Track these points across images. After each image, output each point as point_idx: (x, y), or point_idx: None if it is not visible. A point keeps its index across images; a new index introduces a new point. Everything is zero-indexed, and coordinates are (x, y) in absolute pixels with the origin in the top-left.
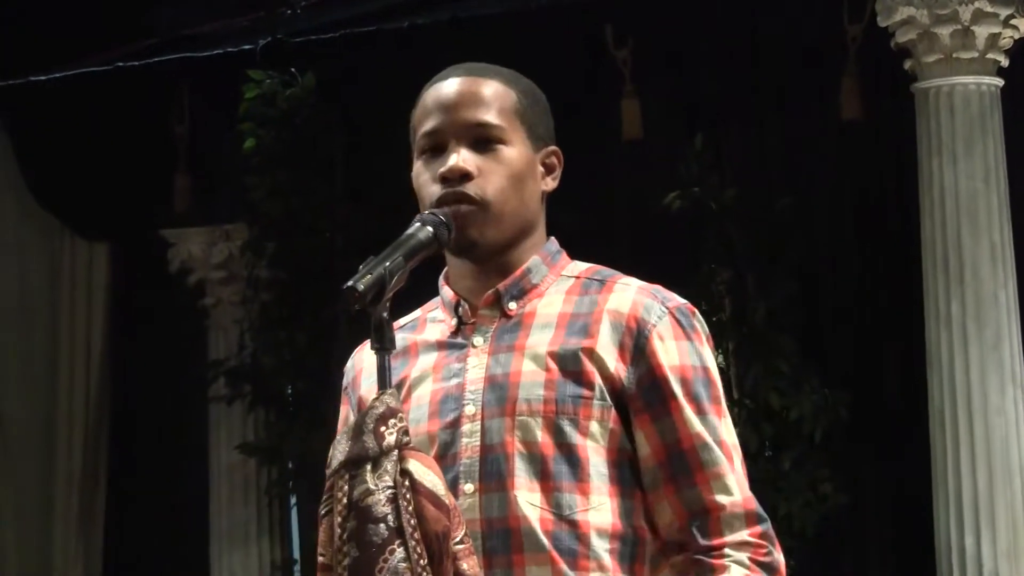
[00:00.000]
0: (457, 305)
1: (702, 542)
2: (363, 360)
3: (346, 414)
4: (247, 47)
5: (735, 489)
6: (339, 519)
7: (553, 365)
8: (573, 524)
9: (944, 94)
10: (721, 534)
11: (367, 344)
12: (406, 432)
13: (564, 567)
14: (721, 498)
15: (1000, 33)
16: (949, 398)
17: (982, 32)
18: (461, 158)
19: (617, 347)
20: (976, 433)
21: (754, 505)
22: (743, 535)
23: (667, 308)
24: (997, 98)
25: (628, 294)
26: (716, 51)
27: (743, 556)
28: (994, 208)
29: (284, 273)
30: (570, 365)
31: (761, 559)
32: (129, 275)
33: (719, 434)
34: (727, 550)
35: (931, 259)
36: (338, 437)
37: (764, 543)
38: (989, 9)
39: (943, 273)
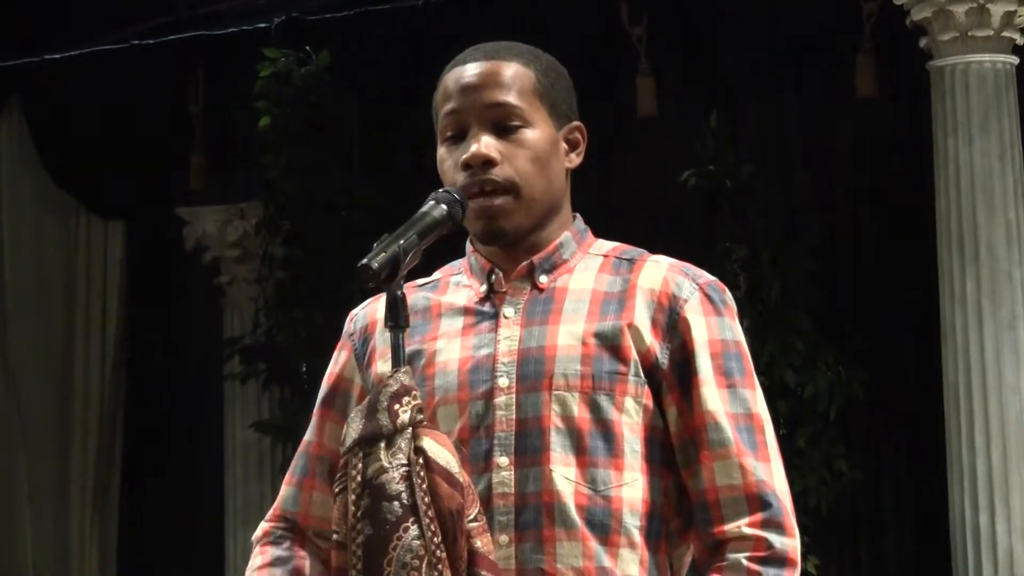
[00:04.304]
0: (491, 272)
1: (705, 530)
2: (377, 311)
3: (346, 359)
4: (262, 25)
5: (750, 471)
6: (353, 497)
7: (590, 340)
8: (607, 500)
9: (959, 72)
10: (723, 521)
11: (383, 297)
12: (420, 410)
13: (594, 543)
14: (735, 481)
15: (1016, 11)
16: (964, 376)
17: (998, 10)
18: (483, 144)
19: (651, 323)
20: (991, 411)
21: (757, 489)
22: (741, 526)
23: (698, 284)
24: (1013, 76)
25: (659, 271)
26: (731, 28)
27: (740, 556)
28: (1009, 186)
29: (299, 251)
30: (607, 341)
31: (762, 554)
32: (144, 253)
33: (750, 407)
34: (728, 554)
35: (946, 237)
36: (352, 415)
37: (763, 535)
38: None
39: (958, 251)
